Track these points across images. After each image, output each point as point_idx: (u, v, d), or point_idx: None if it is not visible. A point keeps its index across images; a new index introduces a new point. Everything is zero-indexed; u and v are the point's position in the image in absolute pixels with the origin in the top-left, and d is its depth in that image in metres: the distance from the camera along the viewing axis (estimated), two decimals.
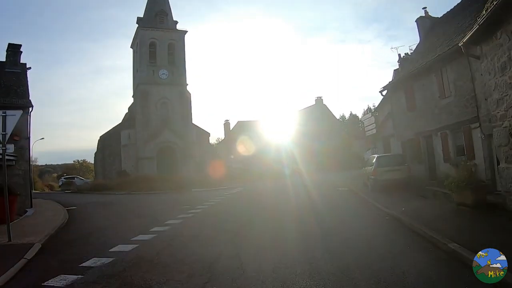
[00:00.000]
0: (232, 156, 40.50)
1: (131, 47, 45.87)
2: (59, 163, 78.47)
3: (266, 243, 7.70)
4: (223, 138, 54.35)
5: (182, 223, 10.70)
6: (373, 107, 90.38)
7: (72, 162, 72.78)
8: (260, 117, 65.54)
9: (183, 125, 39.71)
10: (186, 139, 39.36)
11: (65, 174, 52.93)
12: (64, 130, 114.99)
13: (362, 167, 18.91)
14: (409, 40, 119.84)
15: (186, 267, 6.07)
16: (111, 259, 6.72)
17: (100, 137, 42.94)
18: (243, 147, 44.58)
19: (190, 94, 41.10)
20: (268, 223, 10.32)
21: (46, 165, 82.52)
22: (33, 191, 41.16)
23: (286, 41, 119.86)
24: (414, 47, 20.16)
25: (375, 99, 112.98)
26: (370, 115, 24.26)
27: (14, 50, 17.61)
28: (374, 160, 16.12)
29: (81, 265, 6.42)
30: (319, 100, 55.37)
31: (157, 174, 34.59)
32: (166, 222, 10.73)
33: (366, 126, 24.48)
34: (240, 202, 16.11)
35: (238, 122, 52.75)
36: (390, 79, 21.16)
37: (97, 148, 43.62)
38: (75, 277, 5.74)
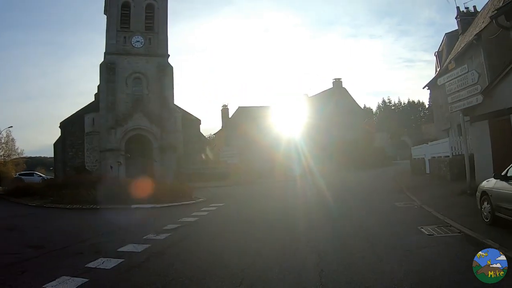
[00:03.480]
0: (225, 149, 31.00)
1: (104, 14, 36.58)
2: None
3: None
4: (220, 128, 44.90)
5: None
6: (388, 100, 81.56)
7: None
8: (265, 103, 56.03)
9: (161, 108, 30.22)
10: (165, 125, 29.97)
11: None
12: None
13: (482, 180, 7.37)
14: (420, 35, 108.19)
15: None
16: None
17: (61, 123, 33.74)
18: (243, 138, 35.36)
19: (172, 67, 31.46)
20: None
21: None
22: None
23: (295, 35, 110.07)
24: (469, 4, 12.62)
25: (389, 94, 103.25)
26: (466, 68, 11.00)
27: None
28: None
29: None
30: (337, 82, 45.50)
31: (121, 174, 25.47)
32: None
33: (454, 94, 11.50)
34: None
35: (239, 107, 43.35)
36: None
37: (59, 137, 34.57)
38: None
